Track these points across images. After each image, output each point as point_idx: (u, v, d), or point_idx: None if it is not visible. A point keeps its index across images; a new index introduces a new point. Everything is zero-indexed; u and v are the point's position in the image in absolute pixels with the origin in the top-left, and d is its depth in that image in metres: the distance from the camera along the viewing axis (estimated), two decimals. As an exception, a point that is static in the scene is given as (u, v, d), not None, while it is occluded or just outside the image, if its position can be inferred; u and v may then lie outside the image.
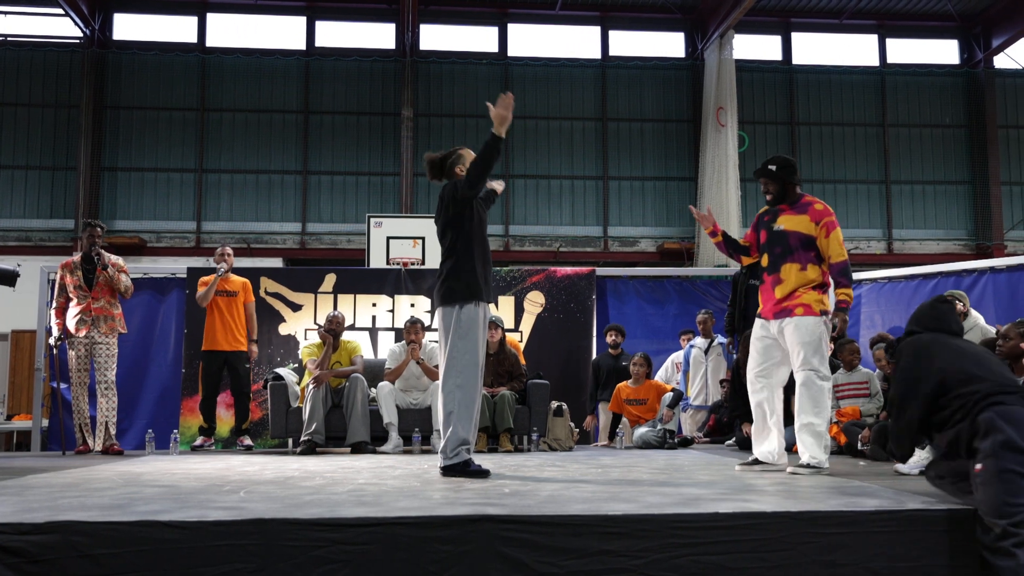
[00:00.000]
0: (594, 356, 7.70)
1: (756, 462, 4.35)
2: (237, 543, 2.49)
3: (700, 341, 7.47)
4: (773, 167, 4.47)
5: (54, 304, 6.31)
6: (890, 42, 15.73)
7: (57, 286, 6.29)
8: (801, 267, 4.27)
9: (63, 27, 14.42)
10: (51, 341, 6.34)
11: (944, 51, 15.85)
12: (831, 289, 4.34)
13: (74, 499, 3.14)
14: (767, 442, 4.35)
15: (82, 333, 6.14)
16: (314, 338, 7.20)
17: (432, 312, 4.45)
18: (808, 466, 4.09)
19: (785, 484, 3.62)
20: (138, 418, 7.55)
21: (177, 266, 8.51)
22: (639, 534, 2.59)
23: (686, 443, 6.69)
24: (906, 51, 15.74)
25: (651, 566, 2.55)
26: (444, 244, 4.13)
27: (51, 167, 14.04)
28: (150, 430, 6.29)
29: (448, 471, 4.02)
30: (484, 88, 14.78)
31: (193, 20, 14.79)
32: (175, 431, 6.30)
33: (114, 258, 6.38)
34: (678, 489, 3.44)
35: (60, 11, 13.71)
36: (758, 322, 4.43)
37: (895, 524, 2.71)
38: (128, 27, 14.71)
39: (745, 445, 6.25)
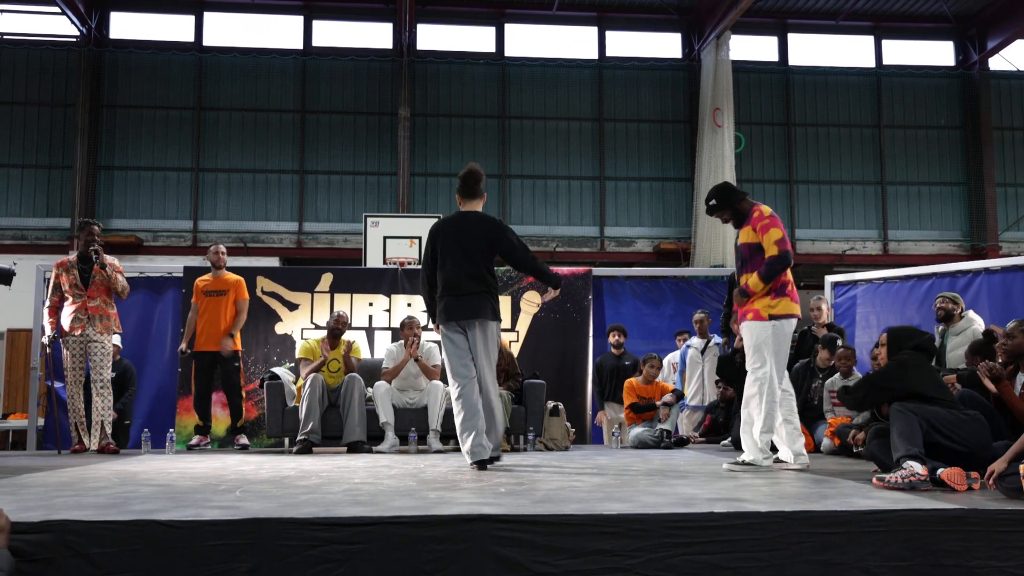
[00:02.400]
0: (590, 356, 7.71)
1: (777, 461, 4.48)
2: (232, 542, 2.50)
3: (696, 341, 7.47)
4: (713, 201, 4.60)
5: (47, 303, 6.30)
6: (886, 43, 15.76)
7: (51, 285, 6.27)
8: (752, 273, 4.43)
9: (59, 25, 14.39)
10: (44, 340, 6.33)
11: (939, 53, 15.89)
12: (789, 289, 4.41)
13: (70, 498, 3.14)
14: (782, 445, 4.47)
15: (77, 332, 6.12)
16: (310, 337, 7.20)
17: (435, 313, 4.60)
18: (745, 463, 4.25)
19: (779, 484, 3.64)
20: (134, 417, 7.54)
21: (173, 265, 8.50)
22: (634, 534, 2.60)
23: (682, 443, 6.70)
24: (902, 52, 15.78)
25: (646, 566, 2.56)
26: (478, 264, 4.47)
27: (47, 166, 14.00)
28: (146, 429, 6.28)
29: (492, 461, 4.46)
30: (481, 88, 14.79)
31: (190, 19, 14.76)
32: (171, 430, 6.29)
33: (110, 258, 6.37)
34: (673, 489, 3.46)
35: (56, 9, 13.68)
36: None
37: (888, 524, 2.72)
38: (125, 26, 14.68)
39: (741, 445, 6.29)
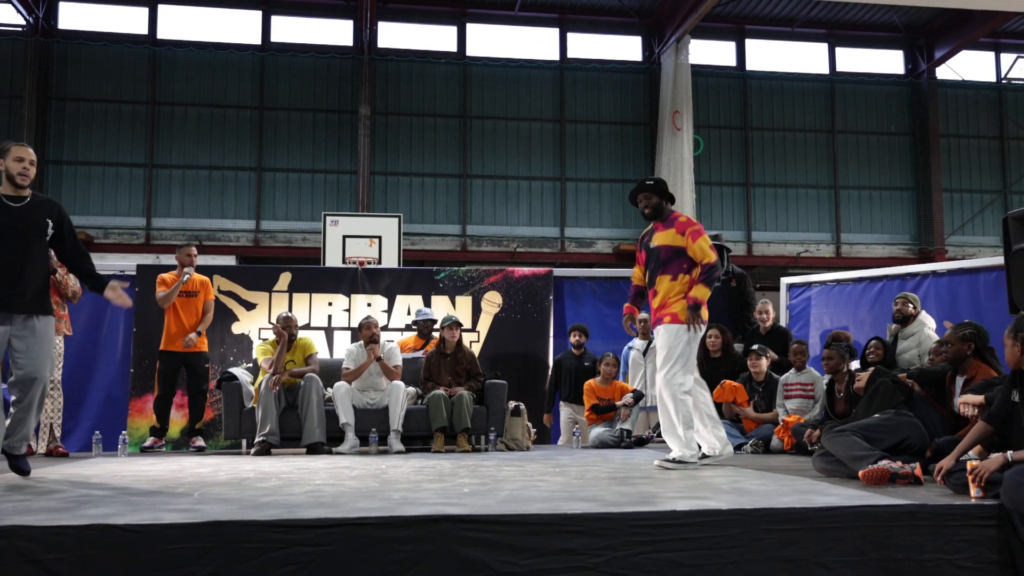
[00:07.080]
0: (551, 356, 7.73)
1: (704, 456, 4.68)
2: (193, 546, 2.45)
3: (638, 343, 7.31)
4: (651, 182, 4.76)
5: None
6: (839, 51, 16.17)
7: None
8: (672, 277, 4.59)
9: (4, 14, 13.94)
10: None
11: (890, 61, 16.35)
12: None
13: (19, 503, 3.05)
14: (704, 440, 4.72)
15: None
16: (268, 336, 7.09)
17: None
18: (675, 461, 4.42)
19: (740, 482, 3.70)
20: (83, 419, 7.31)
21: (126, 263, 8.31)
22: (599, 532, 2.63)
23: (641, 442, 6.76)
24: (854, 60, 16.20)
25: (610, 564, 2.58)
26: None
27: (-8, 159, 13.54)
28: (97, 431, 6.11)
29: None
30: (443, 87, 14.75)
31: (143, 11, 14.43)
32: (124, 432, 6.13)
33: (63, 256, 6.17)
34: (636, 488, 3.49)
35: (2, -2, 13.27)
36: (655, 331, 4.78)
37: (844, 520, 2.80)
38: (75, 16, 14.29)
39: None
